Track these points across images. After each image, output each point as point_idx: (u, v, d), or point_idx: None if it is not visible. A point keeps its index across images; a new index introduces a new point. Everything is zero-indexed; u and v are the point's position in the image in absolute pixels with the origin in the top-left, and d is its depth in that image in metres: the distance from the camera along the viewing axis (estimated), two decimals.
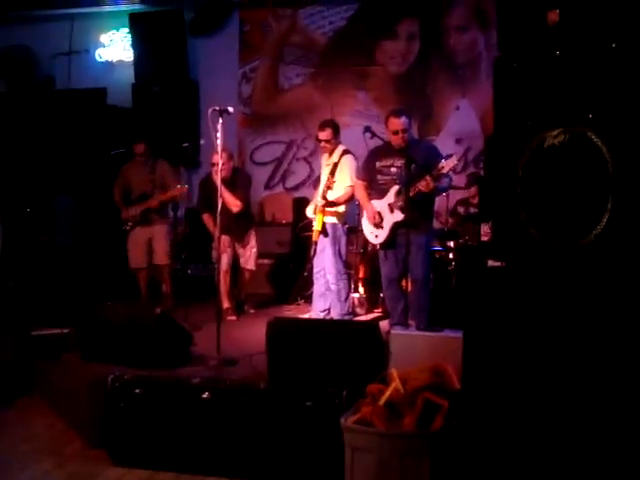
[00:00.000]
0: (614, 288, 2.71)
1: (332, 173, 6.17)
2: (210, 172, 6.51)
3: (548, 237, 2.85)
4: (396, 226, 5.50)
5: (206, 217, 6.79)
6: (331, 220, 6.17)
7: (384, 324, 5.61)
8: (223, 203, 5.55)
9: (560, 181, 2.78)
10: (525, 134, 2.89)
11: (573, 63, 2.76)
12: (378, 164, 5.66)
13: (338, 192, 6.13)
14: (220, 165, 5.26)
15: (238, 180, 6.82)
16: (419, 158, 5.41)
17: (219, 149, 5.11)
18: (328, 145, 6.28)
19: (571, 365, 2.78)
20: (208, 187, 6.54)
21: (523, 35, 2.93)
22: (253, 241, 7.00)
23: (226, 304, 6.76)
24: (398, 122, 5.51)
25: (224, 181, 5.85)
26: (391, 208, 5.52)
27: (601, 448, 2.72)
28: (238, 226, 6.80)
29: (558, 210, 2.79)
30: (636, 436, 2.65)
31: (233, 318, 6.74)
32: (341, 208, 6.19)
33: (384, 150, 5.66)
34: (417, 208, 5.43)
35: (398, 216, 5.47)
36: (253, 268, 7.04)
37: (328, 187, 6.15)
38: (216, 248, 5.64)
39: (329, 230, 6.16)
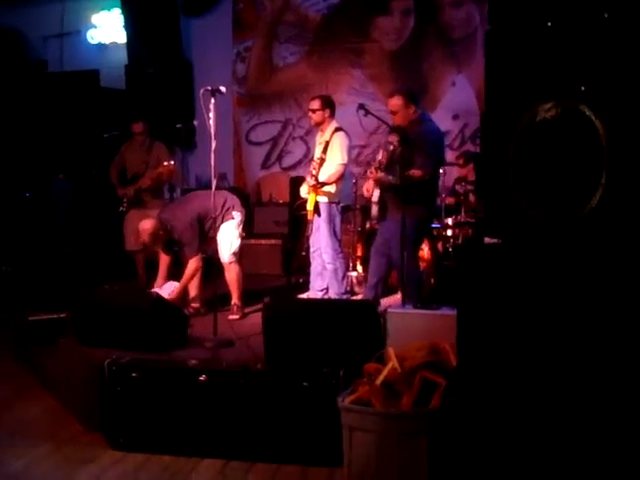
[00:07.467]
0: (609, 263, 2.67)
1: (324, 151, 6.11)
2: None
3: (541, 213, 2.81)
4: (379, 203, 5.57)
5: None
6: (324, 199, 6.10)
7: (382, 302, 5.59)
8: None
9: (553, 156, 2.74)
10: (517, 108, 2.85)
11: (565, 34, 2.71)
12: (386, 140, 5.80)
13: (329, 170, 6.05)
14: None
15: None
16: (413, 138, 5.37)
17: (212, 130, 5.03)
18: (314, 116, 6.20)
19: (566, 342, 2.75)
20: None
21: (514, 7, 2.88)
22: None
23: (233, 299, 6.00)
24: (390, 102, 5.63)
25: None
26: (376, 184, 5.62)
27: (597, 429, 2.69)
28: None
29: (551, 185, 2.75)
30: (632, 416, 2.63)
31: (235, 317, 5.87)
32: (333, 187, 6.11)
33: (392, 127, 5.73)
34: (391, 190, 5.47)
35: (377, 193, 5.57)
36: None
37: (319, 165, 6.08)
38: None
39: (322, 209, 6.09)
